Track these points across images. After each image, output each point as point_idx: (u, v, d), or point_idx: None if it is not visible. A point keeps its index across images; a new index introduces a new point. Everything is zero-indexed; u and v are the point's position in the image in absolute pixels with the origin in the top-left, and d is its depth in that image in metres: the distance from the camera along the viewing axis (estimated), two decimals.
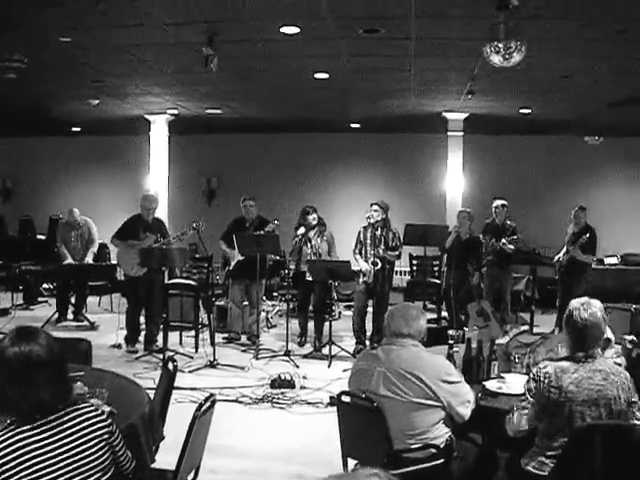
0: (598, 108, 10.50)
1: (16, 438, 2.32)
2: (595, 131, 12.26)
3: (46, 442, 2.35)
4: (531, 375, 3.36)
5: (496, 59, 5.88)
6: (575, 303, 3.37)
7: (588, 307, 3.31)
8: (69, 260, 9.87)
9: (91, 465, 2.44)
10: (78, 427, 2.44)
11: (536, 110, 11.03)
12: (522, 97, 10.08)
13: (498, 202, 9.82)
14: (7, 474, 2.28)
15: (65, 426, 2.42)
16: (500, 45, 5.77)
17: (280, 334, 9.33)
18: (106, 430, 2.52)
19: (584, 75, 8.46)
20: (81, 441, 2.43)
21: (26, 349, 2.37)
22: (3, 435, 2.31)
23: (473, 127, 12.06)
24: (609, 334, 3.97)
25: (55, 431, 2.39)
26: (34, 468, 2.31)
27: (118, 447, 2.60)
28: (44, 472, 2.32)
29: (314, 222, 8.83)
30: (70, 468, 2.38)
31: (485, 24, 5.94)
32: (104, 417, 2.54)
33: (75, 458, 2.40)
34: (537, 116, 11.48)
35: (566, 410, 3.18)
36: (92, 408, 2.53)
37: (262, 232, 8.54)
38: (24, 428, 2.34)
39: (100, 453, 2.48)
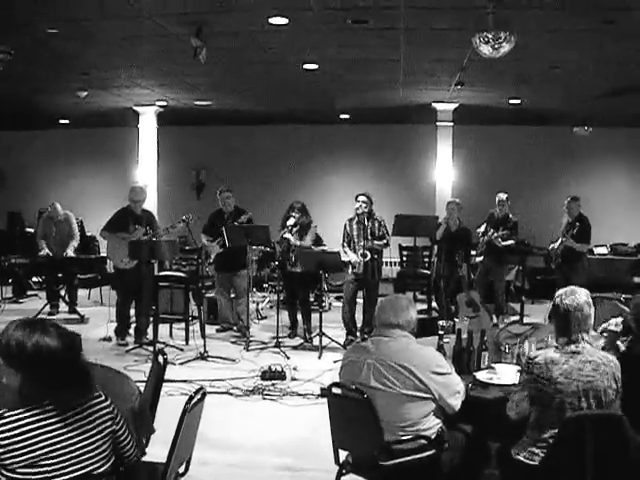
0: (587, 98, 10.51)
1: (21, 416, 2.33)
2: (584, 122, 12.27)
3: (51, 425, 2.37)
4: (522, 366, 3.37)
5: (485, 49, 5.89)
6: (560, 291, 3.41)
7: (571, 294, 3.33)
8: (45, 251, 9.89)
9: (93, 452, 2.46)
10: (83, 413, 2.46)
11: (526, 100, 11.03)
12: (511, 87, 10.07)
13: (500, 195, 9.72)
14: (7, 449, 2.29)
15: (71, 412, 2.43)
16: (489, 35, 5.78)
17: (270, 325, 9.32)
18: (109, 416, 2.55)
19: (573, 65, 8.46)
20: (86, 427, 2.45)
21: (45, 340, 2.47)
22: (9, 412, 2.34)
23: (463, 118, 12.06)
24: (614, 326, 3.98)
25: (60, 416, 2.40)
26: (35, 447, 2.32)
27: (121, 432, 2.62)
28: (46, 453, 2.34)
29: (292, 221, 8.62)
30: (73, 452, 2.40)
31: (474, 15, 5.94)
32: (108, 403, 2.57)
33: (78, 444, 2.42)
34: (527, 106, 11.48)
35: (556, 401, 3.18)
36: (96, 394, 2.55)
37: (239, 223, 8.54)
38: (32, 411, 2.36)
39: (102, 440, 2.51)
